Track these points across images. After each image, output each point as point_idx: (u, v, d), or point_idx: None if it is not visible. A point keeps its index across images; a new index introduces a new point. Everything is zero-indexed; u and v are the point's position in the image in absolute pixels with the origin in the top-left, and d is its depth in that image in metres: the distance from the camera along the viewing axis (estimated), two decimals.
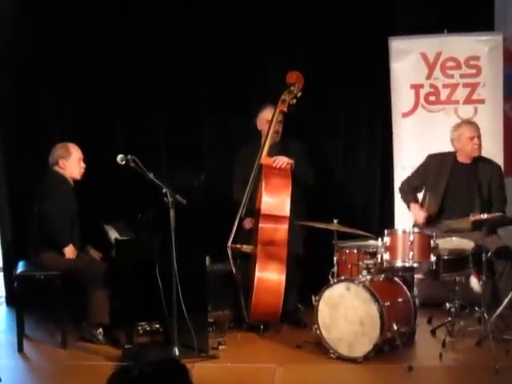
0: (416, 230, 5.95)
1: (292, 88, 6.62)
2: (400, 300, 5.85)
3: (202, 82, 7.58)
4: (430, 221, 6.55)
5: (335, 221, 6.03)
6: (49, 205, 6.16)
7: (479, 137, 6.54)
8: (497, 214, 6.11)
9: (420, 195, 6.82)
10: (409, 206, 6.72)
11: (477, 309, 5.93)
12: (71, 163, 6.36)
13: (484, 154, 6.68)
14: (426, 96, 7.30)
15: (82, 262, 6.23)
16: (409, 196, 6.74)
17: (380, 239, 5.83)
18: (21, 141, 7.38)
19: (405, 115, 7.33)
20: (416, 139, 7.30)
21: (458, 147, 6.59)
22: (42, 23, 7.45)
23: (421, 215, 6.52)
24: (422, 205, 6.65)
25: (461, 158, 6.62)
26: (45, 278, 6.10)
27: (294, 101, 6.64)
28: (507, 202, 6.62)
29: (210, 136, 7.73)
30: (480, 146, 6.55)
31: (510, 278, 6.10)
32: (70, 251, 6.19)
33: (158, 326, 6.33)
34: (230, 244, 6.41)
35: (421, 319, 6.25)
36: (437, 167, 6.68)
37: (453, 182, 6.60)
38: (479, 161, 6.61)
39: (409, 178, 6.85)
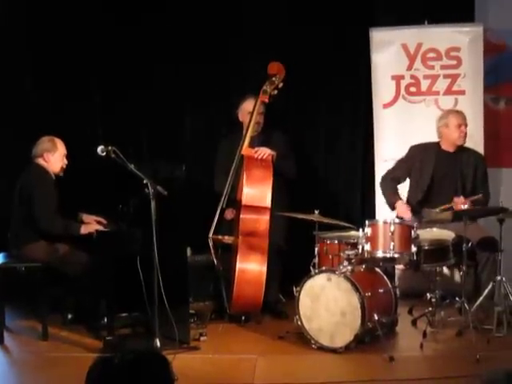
0: (397, 220, 5.96)
1: (273, 79, 6.62)
2: (381, 290, 5.87)
3: (183, 73, 7.55)
4: (416, 209, 6.56)
5: (316, 212, 6.03)
6: (36, 197, 6.13)
7: (466, 125, 6.57)
8: (477, 196, 6.18)
9: (400, 186, 6.83)
10: (390, 203, 6.68)
11: (457, 299, 5.97)
12: (55, 158, 6.33)
13: (465, 144, 6.71)
14: (407, 87, 7.32)
15: (65, 254, 6.20)
16: (392, 195, 6.71)
17: (361, 230, 5.85)
18: None
19: (385, 106, 7.35)
20: (396, 130, 7.33)
21: (445, 135, 6.61)
22: (22, 15, 7.41)
23: (407, 213, 6.50)
24: (407, 201, 6.67)
25: (444, 146, 6.64)
26: (26, 269, 6.09)
27: (276, 92, 6.65)
28: (489, 192, 6.64)
29: (192, 127, 7.71)
30: (466, 134, 6.58)
31: (493, 269, 6.10)
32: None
33: (139, 317, 6.32)
34: (211, 235, 6.41)
35: (402, 309, 6.29)
36: (421, 156, 6.69)
37: (438, 170, 6.62)
38: (462, 150, 6.64)
39: (389, 171, 6.83)
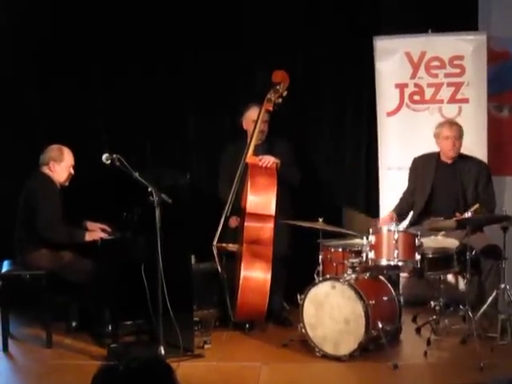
0: (401, 228, 5.97)
1: (277, 87, 6.64)
2: (385, 298, 5.87)
3: (187, 80, 7.57)
4: (418, 220, 6.58)
5: (320, 219, 6.04)
6: (40, 206, 6.14)
7: (457, 138, 6.53)
8: (474, 207, 6.14)
9: None
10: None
11: (461, 307, 5.96)
12: (62, 168, 6.32)
13: (469, 152, 6.71)
14: (411, 95, 7.31)
15: (69, 262, 6.21)
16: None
17: (365, 238, 5.85)
18: (4, 140, 7.36)
19: (389, 114, 7.34)
20: (400, 138, 7.32)
21: (438, 145, 6.63)
22: (30, 21, 7.44)
23: (387, 221, 6.50)
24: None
25: (443, 157, 6.65)
26: (30, 277, 6.09)
27: (280, 100, 6.66)
28: (495, 200, 6.63)
29: (196, 135, 7.72)
30: (455, 147, 6.54)
31: (497, 277, 6.10)
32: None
33: (143, 325, 6.32)
34: (215, 243, 6.42)
35: (406, 317, 6.29)
36: (422, 168, 6.71)
37: (438, 181, 6.62)
38: (464, 160, 6.63)
39: (404, 191, 6.86)
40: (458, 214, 6.18)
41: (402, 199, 6.83)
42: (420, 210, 6.63)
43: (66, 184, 6.39)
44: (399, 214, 6.68)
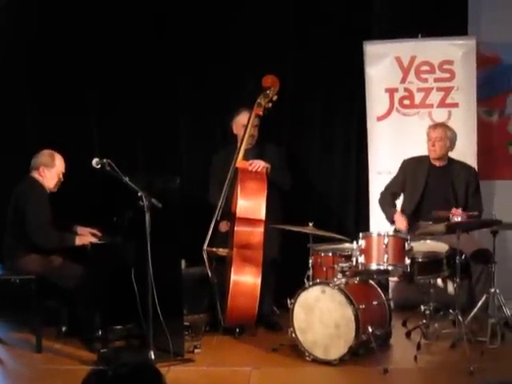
0: (391, 232, 5.97)
1: (268, 92, 6.64)
2: (375, 303, 5.87)
3: (179, 85, 7.56)
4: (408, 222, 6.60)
5: (310, 224, 6.04)
6: (29, 210, 6.12)
7: (438, 140, 6.58)
8: (474, 214, 6.16)
9: (398, 201, 6.88)
10: (389, 218, 6.72)
11: (451, 311, 5.97)
12: (52, 174, 6.29)
13: (458, 157, 6.75)
14: (401, 100, 7.33)
15: (59, 267, 6.19)
16: (390, 209, 6.76)
17: (355, 242, 5.85)
18: None
19: (379, 119, 7.36)
20: (390, 142, 7.34)
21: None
22: (16, 27, 7.44)
23: (404, 223, 6.52)
24: (402, 211, 6.69)
25: (433, 161, 6.68)
26: (20, 281, 6.07)
27: (270, 104, 6.66)
28: (482, 205, 6.66)
29: (186, 139, 7.71)
30: (435, 148, 6.61)
31: (487, 282, 6.12)
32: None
33: (133, 329, 6.31)
34: (205, 247, 6.42)
35: (396, 322, 6.28)
36: (413, 170, 6.74)
37: (430, 184, 6.65)
38: (454, 164, 6.68)
39: (386, 187, 6.89)
40: (453, 211, 6.17)
41: (386, 189, 6.88)
42: (410, 212, 6.65)
43: (55, 190, 6.36)
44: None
